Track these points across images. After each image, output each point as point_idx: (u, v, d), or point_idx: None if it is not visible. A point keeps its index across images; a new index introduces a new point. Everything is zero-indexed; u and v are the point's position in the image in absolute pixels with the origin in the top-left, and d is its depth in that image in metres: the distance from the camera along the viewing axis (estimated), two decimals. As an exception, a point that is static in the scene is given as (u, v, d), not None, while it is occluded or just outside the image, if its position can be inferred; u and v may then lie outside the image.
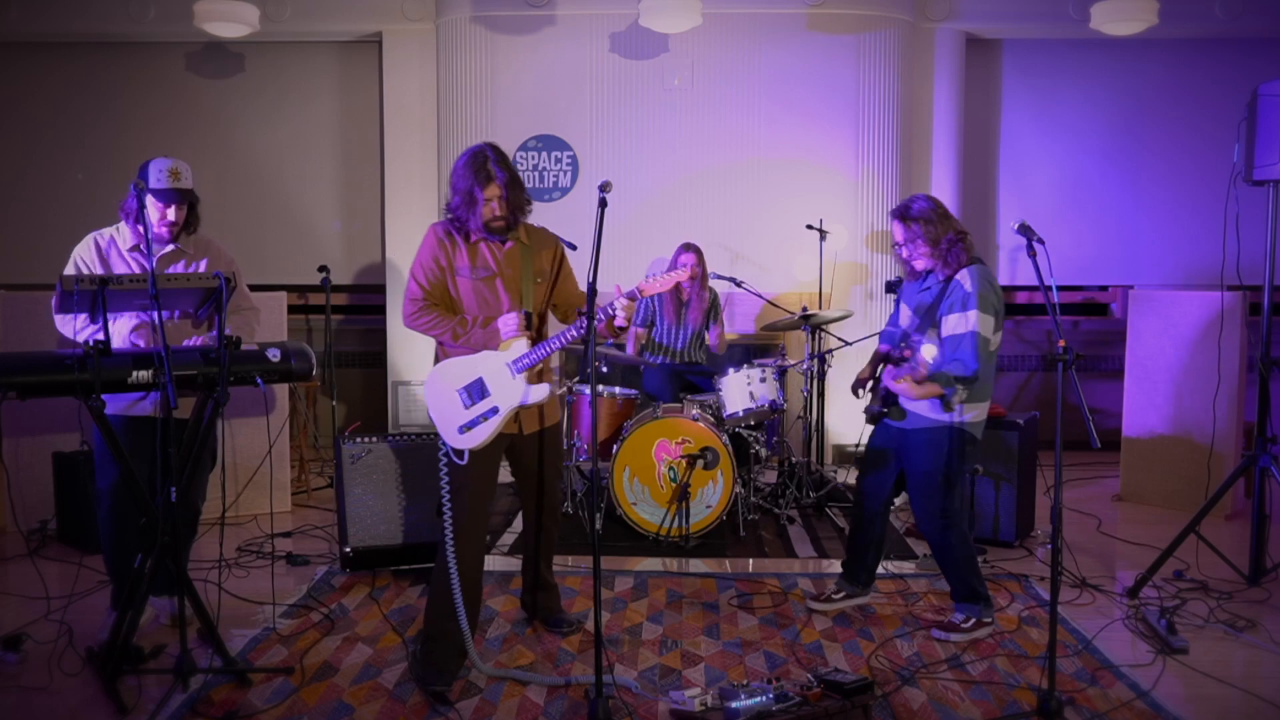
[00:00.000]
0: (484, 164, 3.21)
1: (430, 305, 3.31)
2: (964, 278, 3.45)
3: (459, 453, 3.25)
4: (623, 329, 3.21)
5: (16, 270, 6.86)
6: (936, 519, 3.59)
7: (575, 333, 3.17)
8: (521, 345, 3.24)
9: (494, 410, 3.24)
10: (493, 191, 3.21)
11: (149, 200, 3.36)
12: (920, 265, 3.57)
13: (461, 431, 3.25)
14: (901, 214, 3.56)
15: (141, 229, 3.13)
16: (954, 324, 3.44)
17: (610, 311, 3.14)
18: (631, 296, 3.13)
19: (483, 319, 3.29)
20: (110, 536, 3.47)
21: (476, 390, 3.25)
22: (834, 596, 3.88)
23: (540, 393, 3.25)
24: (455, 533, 3.26)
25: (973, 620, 3.60)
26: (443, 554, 3.26)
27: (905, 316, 3.68)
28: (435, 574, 3.31)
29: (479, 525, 3.36)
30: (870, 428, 3.79)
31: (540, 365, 3.29)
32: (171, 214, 3.42)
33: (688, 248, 5.58)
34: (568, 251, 3.62)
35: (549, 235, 3.51)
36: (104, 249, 3.45)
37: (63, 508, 4.71)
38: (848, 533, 3.97)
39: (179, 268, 3.53)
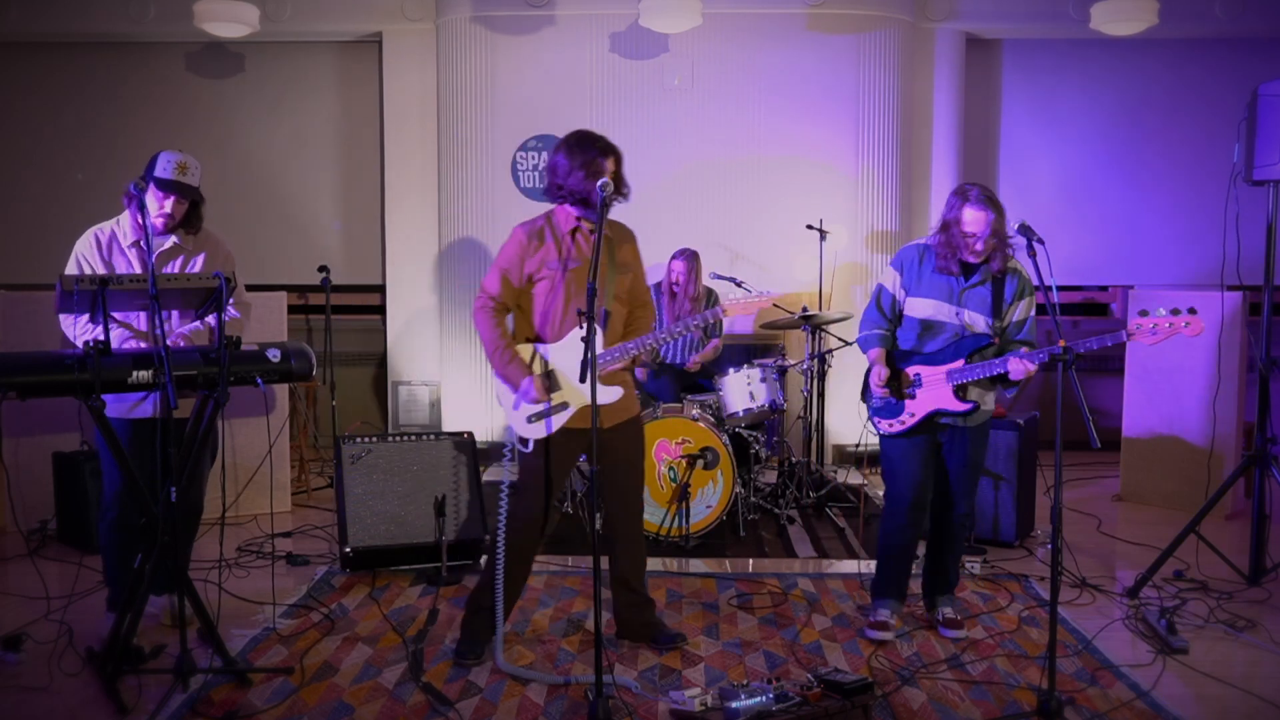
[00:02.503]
0: (598, 138, 3.22)
1: (500, 308, 3.28)
2: (1018, 266, 3.49)
3: (523, 440, 3.25)
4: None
5: (16, 270, 6.85)
6: (974, 510, 3.65)
7: (652, 340, 3.22)
8: (598, 344, 3.18)
9: (564, 405, 3.24)
10: (612, 165, 3.18)
11: (150, 188, 3.34)
12: (974, 259, 3.40)
13: (530, 420, 3.23)
14: (994, 202, 3.34)
15: (141, 221, 3.11)
16: (1025, 309, 3.50)
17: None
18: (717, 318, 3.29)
19: (562, 316, 3.24)
20: (111, 545, 3.47)
21: (550, 381, 3.25)
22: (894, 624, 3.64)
23: (609, 395, 3.23)
24: (511, 524, 3.27)
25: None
26: (496, 541, 3.26)
27: (930, 307, 3.48)
28: (489, 557, 3.32)
29: (536, 518, 3.31)
30: (892, 433, 3.57)
31: (614, 367, 3.25)
32: (169, 206, 3.39)
33: (677, 254, 5.55)
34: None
35: (626, 229, 3.43)
36: (105, 244, 3.43)
37: (63, 508, 4.71)
38: (923, 557, 3.73)
39: (177, 264, 3.51)
